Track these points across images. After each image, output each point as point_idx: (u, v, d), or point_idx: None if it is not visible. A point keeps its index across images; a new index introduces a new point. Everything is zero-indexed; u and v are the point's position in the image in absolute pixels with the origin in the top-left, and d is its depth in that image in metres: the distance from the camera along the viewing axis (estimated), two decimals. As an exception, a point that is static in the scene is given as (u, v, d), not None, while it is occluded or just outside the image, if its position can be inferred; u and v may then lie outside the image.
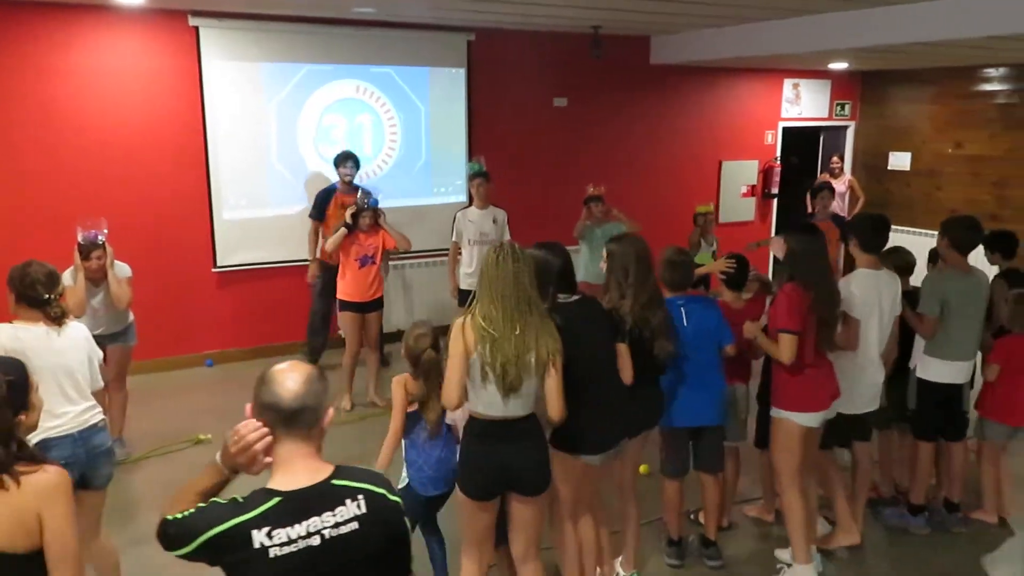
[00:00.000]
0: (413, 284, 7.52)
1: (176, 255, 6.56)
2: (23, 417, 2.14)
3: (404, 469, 3.34)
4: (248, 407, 1.83)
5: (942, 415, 4.15)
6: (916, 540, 4.18)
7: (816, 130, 10.24)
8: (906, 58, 7.95)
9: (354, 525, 1.76)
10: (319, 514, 1.73)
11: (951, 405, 4.15)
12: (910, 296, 4.09)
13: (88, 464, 3.13)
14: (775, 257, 3.95)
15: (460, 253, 6.10)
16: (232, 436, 1.80)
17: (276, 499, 1.72)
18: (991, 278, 4.32)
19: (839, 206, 8.54)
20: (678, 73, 8.62)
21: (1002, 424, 4.23)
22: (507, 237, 5.83)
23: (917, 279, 4.25)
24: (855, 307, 3.71)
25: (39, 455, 2.12)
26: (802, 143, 10.13)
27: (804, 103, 9.80)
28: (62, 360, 3.10)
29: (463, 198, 7.48)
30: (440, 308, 7.20)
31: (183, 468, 4.71)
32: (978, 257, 4.41)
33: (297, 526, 1.70)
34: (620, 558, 3.74)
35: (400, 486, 3.31)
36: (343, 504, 1.76)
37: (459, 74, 7.51)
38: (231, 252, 6.77)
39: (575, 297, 3.22)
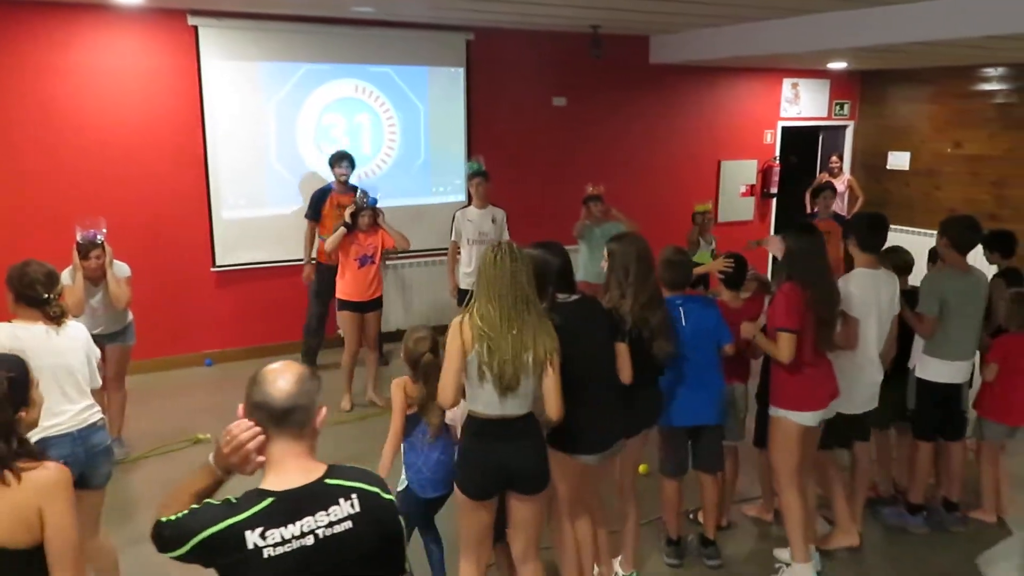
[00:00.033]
0: (412, 284, 7.52)
1: (175, 254, 6.55)
2: (24, 413, 2.14)
3: (403, 471, 3.34)
4: (241, 407, 1.83)
5: (941, 415, 4.15)
6: (915, 539, 4.19)
7: (815, 130, 10.23)
8: (905, 58, 7.94)
9: (348, 524, 1.76)
10: (312, 514, 1.73)
11: (950, 405, 4.15)
12: (909, 296, 4.09)
13: (87, 463, 3.14)
14: (773, 256, 3.95)
15: (459, 252, 6.09)
16: (224, 436, 1.81)
17: (269, 499, 1.72)
18: (990, 278, 4.33)
19: (838, 206, 8.53)
20: (677, 73, 8.61)
21: (1000, 424, 4.23)
22: (506, 236, 5.83)
23: (916, 279, 4.25)
24: (854, 306, 3.71)
25: (39, 452, 2.12)
26: (801, 143, 10.11)
27: (803, 103, 9.80)
28: (61, 359, 3.10)
29: (462, 197, 7.48)
30: (439, 307, 7.21)
31: (182, 468, 4.68)
32: (977, 257, 4.41)
33: (291, 526, 1.70)
34: (619, 557, 3.74)
35: (399, 488, 3.31)
36: (336, 503, 1.76)
37: (458, 73, 7.51)
38: (230, 252, 6.77)
39: (574, 296, 3.22)
